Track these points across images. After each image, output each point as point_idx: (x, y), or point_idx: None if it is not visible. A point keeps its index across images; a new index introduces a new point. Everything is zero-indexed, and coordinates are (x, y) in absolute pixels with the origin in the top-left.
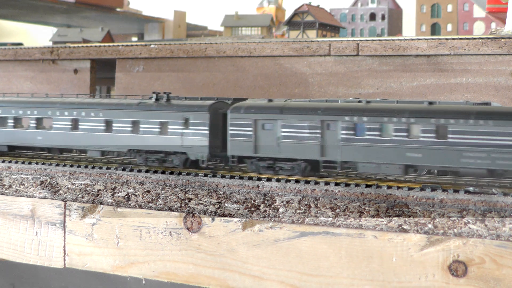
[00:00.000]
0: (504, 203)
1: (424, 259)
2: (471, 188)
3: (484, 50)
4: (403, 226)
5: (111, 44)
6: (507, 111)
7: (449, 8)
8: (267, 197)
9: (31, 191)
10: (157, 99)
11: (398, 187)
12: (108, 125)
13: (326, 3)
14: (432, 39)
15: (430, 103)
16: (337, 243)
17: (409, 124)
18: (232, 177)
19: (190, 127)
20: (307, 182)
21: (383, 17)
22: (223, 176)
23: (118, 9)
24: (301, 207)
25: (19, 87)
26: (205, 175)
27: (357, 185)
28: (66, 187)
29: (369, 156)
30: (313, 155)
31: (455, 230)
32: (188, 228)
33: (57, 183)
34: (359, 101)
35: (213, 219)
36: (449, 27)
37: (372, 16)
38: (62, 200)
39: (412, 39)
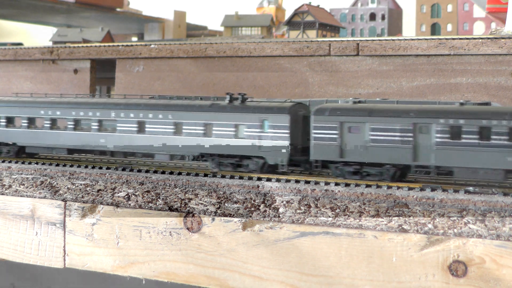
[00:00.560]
0: (504, 203)
1: (424, 259)
2: (471, 188)
3: (484, 50)
4: (403, 226)
5: (111, 44)
6: None
7: (449, 8)
8: (267, 197)
9: (31, 191)
10: (231, 100)
11: (398, 187)
12: (178, 127)
13: (326, 3)
14: (432, 39)
15: None
16: (337, 243)
17: (510, 127)
18: (232, 177)
19: (269, 130)
20: (307, 182)
21: (383, 17)
22: (223, 176)
23: (118, 9)
24: (301, 207)
25: (19, 87)
26: (205, 175)
27: (357, 185)
28: (66, 187)
29: (466, 161)
30: (404, 159)
31: (455, 230)
32: (188, 228)
33: (57, 183)
34: (453, 103)
35: (213, 219)
36: (449, 27)
37: (372, 16)
38: (62, 200)
39: (412, 39)
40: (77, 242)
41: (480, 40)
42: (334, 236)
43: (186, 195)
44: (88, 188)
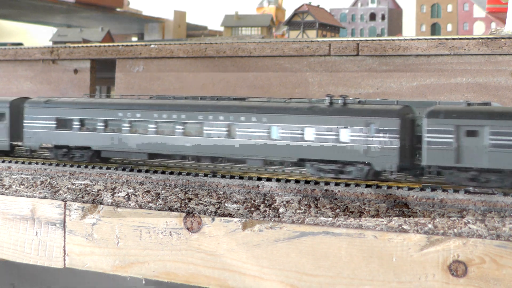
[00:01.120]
0: (504, 203)
1: (424, 259)
2: (471, 188)
3: (484, 50)
4: (403, 226)
5: (111, 44)
6: None
7: (449, 8)
8: (267, 197)
9: (31, 191)
10: (331, 102)
11: (398, 187)
12: (273, 131)
13: (326, 3)
14: (432, 39)
15: None
16: (337, 243)
17: None
18: (232, 177)
19: (376, 134)
20: (307, 182)
21: (383, 17)
22: (223, 176)
23: (118, 9)
24: (301, 207)
25: (19, 87)
26: (205, 175)
27: (357, 185)
28: (66, 187)
29: None
30: None
31: (455, 230)
32: (188, 228)
33: (57, 183)
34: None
35: (213, 219)
36: (449, 27)
37: (372, 16)
38: (62, 200)
39: (412, 39)
40: (77, 242)
41: (480, 40)
42: (334, 236)
43: (186, 195)
44: (88, 188)
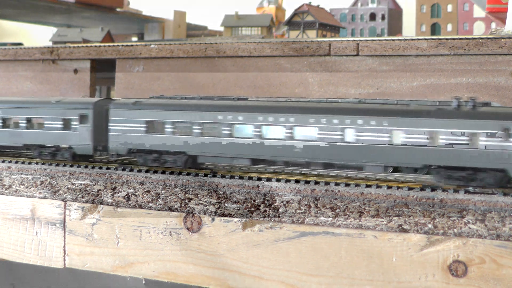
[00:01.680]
0: (504, 203)
1: (424, 259)
2: (471, 188)
3: (484, 50)
4: (403, 226)
5: (111, 44)
6: None
7: (449, 8)
8: (267, 197)
9: (31, 191)
10: (459, 105)
11: (398, 187)
12: (395, 135)
13: (326, 3)
14: (432, 39)
15: None
16: (337, 243)
17: None
18: (232, 177)
19: None
20: (307, 182)
21: (383, 17)
22: (223, 176)
23: (118, 9)
24: (301, 207)
25: (19, 87)
26: (205, 175)
27: (357, 185)
28: (66, 187)
29: None
30: None
31: (455, 230)
32: (188, 228)
33: (57, 183)
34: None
35: (213, 219)
36: (449, 27)
37: (372, 16)
38: (62, 200)
39: (412, 39)
40: (77, 242)
41: (480, 40)
42: (334, 236)
43: (186, 195)
44: (88, 188)
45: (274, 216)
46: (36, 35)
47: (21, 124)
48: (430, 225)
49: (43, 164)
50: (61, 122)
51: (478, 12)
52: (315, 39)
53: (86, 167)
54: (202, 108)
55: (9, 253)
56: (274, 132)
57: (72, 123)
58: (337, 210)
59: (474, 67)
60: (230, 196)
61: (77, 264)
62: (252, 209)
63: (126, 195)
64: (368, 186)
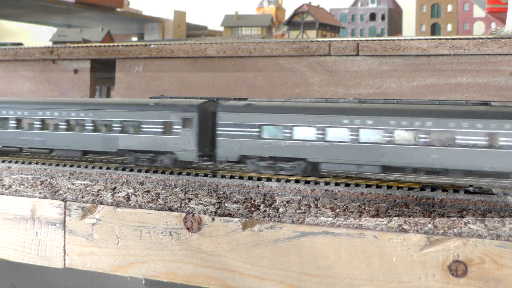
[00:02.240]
0: (504, 203)
1: (424, 259)
2: (471, 188)
3: (484, 50)
4: (403, 226)
5: (111, 44)
6: None
7: (449, 8)
8: (267, 197)
9: (31, 191)
10: None
11: (398, 187)
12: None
13: (326, 3)
14: (432, 39)
15: None
16: (337, 243)
17: None
18: (232, 177)
19: None
20: (307, 182)
21: (383, 17)
22: (223, 176)
23: (118, 9)
24: (301, 207)
25: (19, 87)
26: (205, 175)
27: (357, 185)
28: (66, 187)
29: None
30: None
31: (455, 230)
32: (188, 228)
33: (57, 183)
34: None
35: (213, 219)
36: (449, 27)
37: (372, 16)
38: (62, 200)
39: (412, 39)
40: (77, 242)
41: (480, 40)
42: (334, 236)
43: (186, 195)
44: (88, 188)
45: (274, 216)
46: (36, 35)
47: (114, 128)
48: (430, 225)
49: (43, 164)
50: (161, 126)
51: (478, 12)
52: (315, 39)
53: (86, 167)
54: (323, 112)
55: (9, 253)
56: (407, 137)
57: (173, 127)
58: (337, 210)
59: (474, 67)
60: (230, 196)
61: (77, 264)
62: (252, 209)
63: (126, 195)
64: (368, 186)
